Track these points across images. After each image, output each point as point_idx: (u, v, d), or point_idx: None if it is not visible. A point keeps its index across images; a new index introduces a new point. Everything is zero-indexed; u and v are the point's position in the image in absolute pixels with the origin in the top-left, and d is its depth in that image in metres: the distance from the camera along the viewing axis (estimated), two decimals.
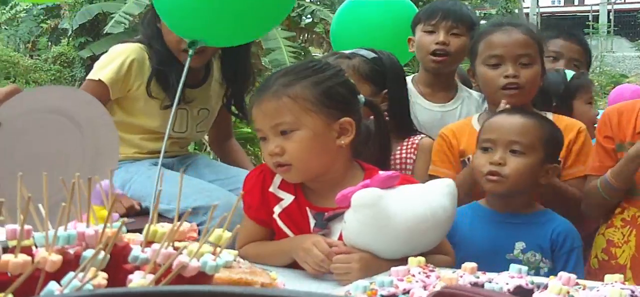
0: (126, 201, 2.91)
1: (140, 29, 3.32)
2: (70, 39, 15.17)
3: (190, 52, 2.85)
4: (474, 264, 1.71)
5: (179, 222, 1.27)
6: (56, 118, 2.17)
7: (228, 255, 1.64)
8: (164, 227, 1.41)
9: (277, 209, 2.24)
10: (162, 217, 2.84)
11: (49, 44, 15.98)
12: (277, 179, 2.25)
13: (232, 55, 3.32)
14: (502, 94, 2.72)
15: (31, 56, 15.94)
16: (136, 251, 1.28)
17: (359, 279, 1.70)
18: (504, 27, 2.82)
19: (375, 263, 1.95)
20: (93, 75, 3.13)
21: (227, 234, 1.51)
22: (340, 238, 2.10)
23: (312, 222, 2.19)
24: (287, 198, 2.24)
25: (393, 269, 1.69)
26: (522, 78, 2.70)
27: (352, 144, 2.21)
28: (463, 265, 1.71)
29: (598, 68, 21.90)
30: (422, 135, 2.95)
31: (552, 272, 2.37)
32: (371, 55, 2.91)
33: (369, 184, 2.00)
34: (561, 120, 2.79)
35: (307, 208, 2.21)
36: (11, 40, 16.07)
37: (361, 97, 2.31)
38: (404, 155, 2.88)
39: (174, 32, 2.99)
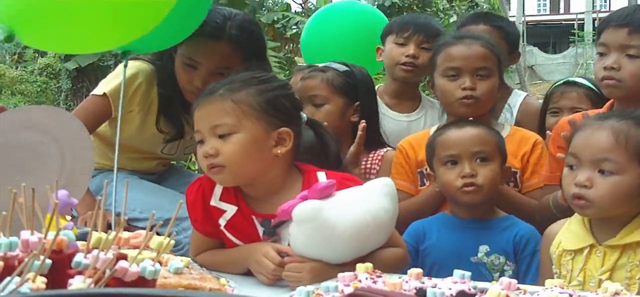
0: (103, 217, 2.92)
1: (155, 55, 3.22)
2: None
3: (125, 62, 2.86)
4: (419, 270, 1.75)
5: (118, 229, 1.31)
6: (37, 134, 2.21)
7: (178, 262, 1.70)
8: (108, 235, 1.46)
9: (222, 222, 2.26)
10: (135, 227, 2.89)
11: (36, 55, 15.96)
12: (217, 191, 2.27)
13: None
14: (459, 105, 2.75)
15: (17, 67, 15.92)
16: (79, 257, 1.32)
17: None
18: (464, 39, 2.87)
19: (326, 271, 1.98)
20: (98, 90, 3.12)
21: (172, 242, 1.56)
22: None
23: (260, 229, 2.23)
24: (230, 209, 2.26)
25: (340, 275, 1.74)
26: (479, 90, 2.73)
27: (292, 153, 2.24)
28: (409, 271, 1.75)
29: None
30: (389, 148, 3.02)
31: (516, 274, 2.46)
32: (343, 68, 3.01)
33: (307, 196, 2.03)
34: (518, 132, 2.87)
35: (253, 216, 2.24)
36: None
37: (303, 115, 2.37)
38: (369, 166, 2.94)
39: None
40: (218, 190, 2.28)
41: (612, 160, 2.11)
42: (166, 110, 3.11)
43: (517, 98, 3.54)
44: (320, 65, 3.08)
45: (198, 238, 2.35)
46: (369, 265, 1.81)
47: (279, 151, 2.20)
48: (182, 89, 3.07)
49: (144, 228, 2.90)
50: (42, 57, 15.85)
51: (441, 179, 2.58)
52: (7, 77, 15.04)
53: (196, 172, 3.97)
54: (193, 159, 5.83)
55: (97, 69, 13.06)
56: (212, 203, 2.27)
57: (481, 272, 2.46)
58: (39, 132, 2.19)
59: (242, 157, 2.16)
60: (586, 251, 2.17)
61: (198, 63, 3.00)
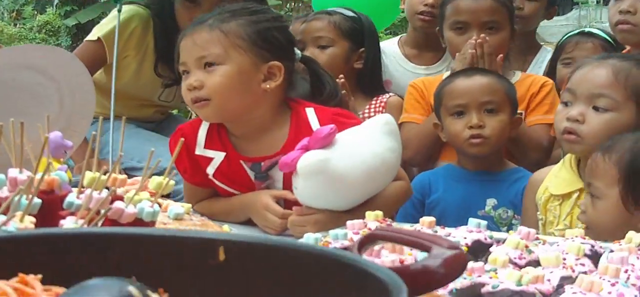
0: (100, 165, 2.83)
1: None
2: (56, 7, 15.03)
3: (118, 7, 2.78)
4: (432, 219, 1.67)
5: (113, 167, 1.22)
6: (33, 75, 2.12)
7: (178, 207, 1.61)
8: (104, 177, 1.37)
9: (210, 170, 2.15)
10: (132, 176, 2.81)
11: (34, 12, 15.81)
12: (201, 139, 2.15)
13: None
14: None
15: (15, 25, 15.77)
16: (71, 197, 1.23)
17: None
18: None
19: (334, 219, 1.88)
20: (92, 36, 3.07)
21: (171, 183, 1.47)
22: (284, 185, 2.08)
23: (250, 174, 2.13)
24: (217, 156, 2.14)
25: (349, 222, 1.65)
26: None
27: (283, 89, 2.13)
28: (421, 219, 1.68)
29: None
30: (391, 94, 2.98)
31: None
32: (350, 14, 2.96)
33: (308, 146, 1.89)
34: (528, 77, 2.80)
35: (242, 161, 2.14)
36: None
37: (297, 52, 2.25)
38: (373, 112, 2.89)
39: None
40: (202, 138, 2.16)
41: (607, 96, 2.06)
42: (164, 54, 3.00)
43: (546, 54, 3.37)
44: (328, 9, 3.03)
45: (190, 189, 2.24)
46: (379, 213, 1.72)
47: (268, 86, 2.07)
48: (182, 28, 2.98)
49: (140, 176, 2.84)
50: (41, 14, 15.70)
51: (448, 129, 2.51)
52: (5, 34, 14.88)
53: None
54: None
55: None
56: (197, 152, 2.15)
57: (488, 227, 2.37)
58: (37, 72, 2.10)
59: (228, 90, 2.04)
60: (575, 196, 2.12)
61: None
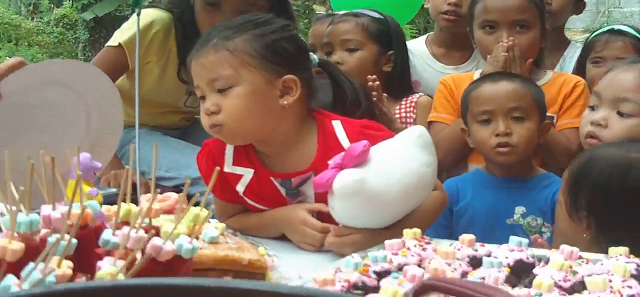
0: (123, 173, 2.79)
1: (172, 2, 3.11)
2: (73, 0, 15.04)
3: (137, 11, 2.73)
4: (472, 236, 1.63)
5: (151, 199, 1.18)
6: (60, 91, 2.08)
7: (213, 230, 1.57)
8: (139, 206, 1.34)
9: (240, 188, 2.10)
10: (161, 186, 2.78)
11: (51, 6, 15.81)
12: (229, 156, 2.10)
13: None
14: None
15: (33, 18, 15.79)
16: (107, 234, 1.20)
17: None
18: None
19: (372, 237, 1.84)
20: (112, 41, 3.01)
21: (205, 213, 1.44)
22: (316, 199, 2.03)
23: (281, 190, 2.08)
24: (247, 173, 2.09)
25: (387, 242, 1.61)
26: (519, 45, 2.56)
27: (304, 102, 2.06)
28: (461, 237, 1.64)
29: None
30: (420, 94, 2.94)
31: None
32: (377, 15, 2.92)
33: (342, 164, 1.84)
34: (560, 77, 2.74)
35: (272, 178, 2.08)
36: (12, 3, 15.93)
37: (314, 57, 2.18)
38: (403, 114, 2.86)
39: None
40: (229, 155, 2.10)
41: (632, 101, 2.04)
42: (187, 58, 2.93)
43: (575, 50, 3.31)
44: (354, 10, 2.98)
45: (221, 205, 2.18)
46: (417, 231, 1.68)
47: (285, 102, 1.99)
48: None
49: (170, 187, 2.81)
50: (57, 7, 15.71)
51: (475, 136, 2.46)
52: (23, 28, 14.94)
53: None
54: None
55: (114, 19, 12.87)
56: (226, 170, 2.10)
57: (517, 236, 2.32)
58: (63, 88, 2.06)
59: (245, 112, 1.96)
60: None
61: (221, 1, 2.87)
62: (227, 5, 2.87)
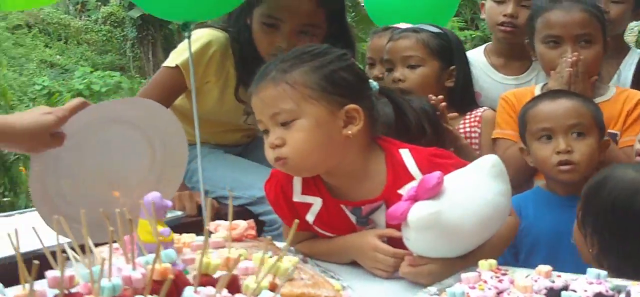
0: (191, 197, 2.80)
1: (227, 22, 3.10)
2: None
3: (187, 34, 2.72)
4: (548, 267, 1.63)
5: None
6: (122, 128, 2.11)
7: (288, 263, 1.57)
8: (218, 256, 1.34)
9: (309, 217, 2.09)
10: (221, 204, 2.80)
11: (98, 4, 15.99)
12: (297, 186, 2.10)
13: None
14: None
15: (81, 17, 15.98)
16: (189, 292, 1.20)
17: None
18: (563, 3, 2.69)
19: (446, 269, 1.83)
20: (169, 62, 3.01)
21: (285, 266, 1.44)
22: (387, 225, 2.03)
23: (352, 217, 2.08)
24: (316, 202, 2.08)
25: (463, 276, 1.62)
26: (583, 60, 2.52)
27: (368, 130, 2.02)
28: (537, 268, 1.63)
29: None
30: (485, 108, 2.90)
31: None
32: (436, 30, 2.88)
33: (416, 196, 1.84)
34: (624, 92, 2.71)
35: (342, 206, 2.07)
36: (61, 3, 16.14)
37: (373, 84, 2.13)
38: (468, 129, 2.83)
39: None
40: (298, 184, 2.10)
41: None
42: (245, 79, 2.94)
43: (635, 57, 3.25)
44: (403, 25, 2.96)
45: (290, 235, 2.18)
46: (493, 262, 1.69)
47: (349, 132, 1.97)
48: (263, 54, 2.94)
49: (234, 206, 2.81)
50: (104, 5, 15.88)
51: (535, 154, 2.44)
52: (72, 27, 15.16)
53: None
54: None
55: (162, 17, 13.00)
56: (295, 199, 2.10)
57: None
58: (127, 126, 2.08)
59: (309, 144, 1.94)
60: None
61: (280, 21, 2.88)
62: (285, 26, 2.88)
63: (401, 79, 2.74)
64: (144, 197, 1.69)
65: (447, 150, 2.20)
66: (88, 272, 1.17)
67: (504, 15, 3.12)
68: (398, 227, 1.92)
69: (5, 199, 6.14)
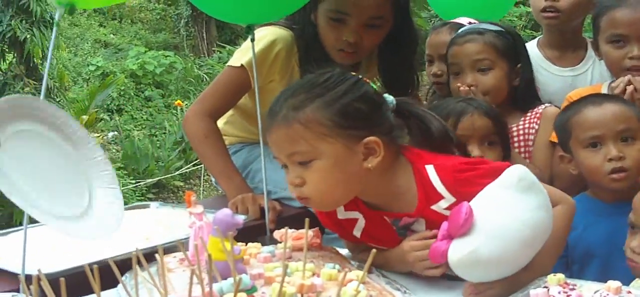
0: (254, 200, 2.80)
1: (291, 20, 3.07)
2: None
3: (251, 37, 2.71)
4: (618, 283, 1.62)
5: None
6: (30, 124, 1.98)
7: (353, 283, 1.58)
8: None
9: (356, 233, 2.08)
10: (284, 205, 2.81)
11: None
12: None
13: (393, 61, 3.15)
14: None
15: None
16: None
17: None
18: (629, 0, 2.63)
19: (511, 285, 1.80)
20: (234, 61, 3.02)
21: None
22: None
23: (394, 227, 2.06)
24: (359, 218, 2.06)
25: (532, 292, 1.62)
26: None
27: (391, 155, 1.98)
28: (607, 284, 1.64)
29: None
30: (547, 104, 2.83)
31: None
32: (496, 28, 2.83)
33: (450, 233, 1.81)
34: None
35: (385, 216, 2.04)
36: None
37: (389, 98, 2.04)
38: (526, 125, 2.79)
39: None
40: None
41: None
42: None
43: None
44: (475, 27, 2.88)
45: (348, 243, 2.21)
46: (561, 276, 1.68)
47: (370, 165, 1.92)
48: (329, 50, 2.95)
49: (295, 207, 2.82)
50: None
51: (584, 163, 2.36)
52: (126, 6, 15.27)
53: None
54: None
55: None
56: (340, 217, 2.08)
57: None
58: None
59: (329, 184, 1.92)
60: None
61: (347, 15, 2.89)
62: (352, 20, 2.88)
63: (473, 85, 2.70)
64: (215, 215, 1.70)
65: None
66: None
67: (546, 0, 3.05)
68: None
69: None
